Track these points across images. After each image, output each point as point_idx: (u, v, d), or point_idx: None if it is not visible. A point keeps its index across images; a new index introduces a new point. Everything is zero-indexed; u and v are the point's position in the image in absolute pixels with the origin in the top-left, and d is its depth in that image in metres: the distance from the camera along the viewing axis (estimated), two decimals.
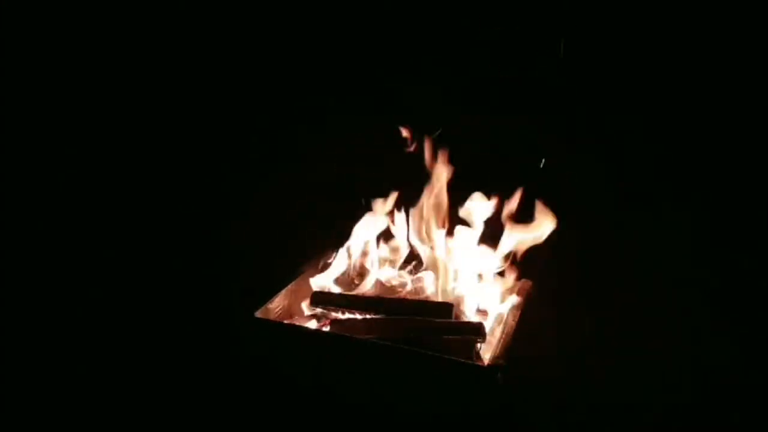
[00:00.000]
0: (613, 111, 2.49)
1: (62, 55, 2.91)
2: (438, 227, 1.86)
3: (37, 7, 2.88)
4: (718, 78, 2.39)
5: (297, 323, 1.76)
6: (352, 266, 1.90)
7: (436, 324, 1.67)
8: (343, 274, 1.89)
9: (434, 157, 1.90)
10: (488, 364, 1.53)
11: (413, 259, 1.95)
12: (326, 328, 1.73)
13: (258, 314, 1.68)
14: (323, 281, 1.86)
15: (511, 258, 1.82)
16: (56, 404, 1.66)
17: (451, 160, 1.88)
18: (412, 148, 1.94)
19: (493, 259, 1.82)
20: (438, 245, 1.85)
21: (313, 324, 1.77)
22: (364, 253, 1.92)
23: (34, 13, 2.90)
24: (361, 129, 2.48)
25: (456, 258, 1.83)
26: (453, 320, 1.70)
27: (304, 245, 2.01)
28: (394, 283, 1.89)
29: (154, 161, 2.82)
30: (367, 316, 1.73)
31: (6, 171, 2.74)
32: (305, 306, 1.80)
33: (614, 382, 1.74)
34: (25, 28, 2.89)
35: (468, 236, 1.83)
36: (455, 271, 1.83)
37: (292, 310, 1.82)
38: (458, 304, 1.75)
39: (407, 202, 1.93)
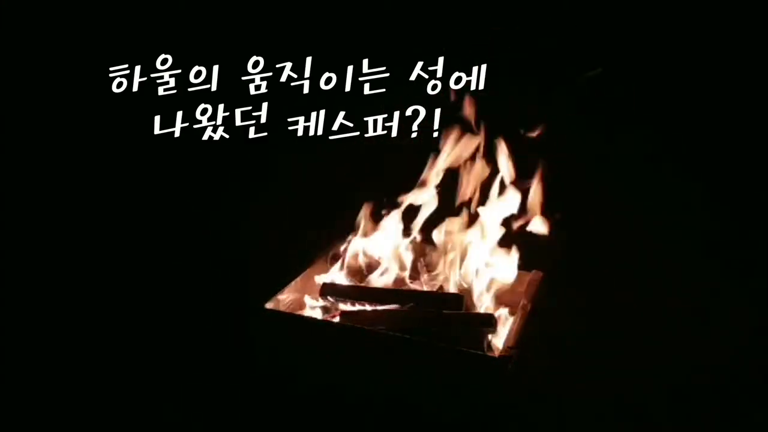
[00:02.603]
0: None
1: (63, 56, 2.91)
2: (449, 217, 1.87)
3: (37, 7, 2.88)
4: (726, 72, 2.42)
5: (307, 314, 1.76)
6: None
7: (446, 315, 1.67)
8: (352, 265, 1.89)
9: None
10: (499, 355, 1.53)
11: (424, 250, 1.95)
12: (336, 319, 1.72)
13: (268, 306, 1.68)
14: (333, 272, 1.86)
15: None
16: (64, 400, 1.65)
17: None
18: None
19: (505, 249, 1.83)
20: (449, 236, 1.86)
21: (322, 315, 1.76)
22: (375, 245, 1.91)
23: (35, 13, 2.89)
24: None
25: (467, 248, 1.84)
26: (464, 311, 1.70)
27: (313, 236, 2.00)
28: (405, 274, 1.89)
29: (159, 156, 2.80)
30: (377, 307, 1.72)
31: (9, 171, 2.71)
32: (315, 297, 1.80)
33: (625, 375, 1.75)
34: (26, 28, 2.88)
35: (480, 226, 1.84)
36: (466, 262, 1.84)
37: (302, 301, 1.81)
38: (469, 295, 1.75)
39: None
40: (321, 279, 1.85)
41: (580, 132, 2.51)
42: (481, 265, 1.82)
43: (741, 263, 2.34)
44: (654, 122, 2.57)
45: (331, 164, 2.62)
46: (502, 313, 1.77)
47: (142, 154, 2.83)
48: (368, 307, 1.73)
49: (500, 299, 1.81)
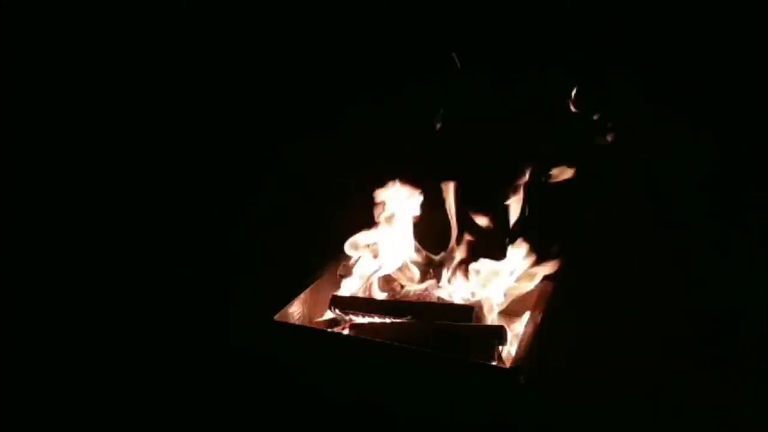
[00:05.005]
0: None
1: (68, 57, 2.94)
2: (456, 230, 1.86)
3: (37, 7, 2.92)
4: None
5: (316, 327, 1.76)
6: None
7: (456, 327, 1.66)
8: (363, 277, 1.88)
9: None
10: (511, 366, 1.52)
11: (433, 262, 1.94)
12: (346, 332, 1.71)
13: (277, 318, 1.68)
14: (343, 284, 1.86)
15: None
16: (69, 405, 1.67)
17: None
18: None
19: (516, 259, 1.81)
20: (458, 247, 1.85)
21: (332, 327, 1.76)
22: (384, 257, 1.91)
23: (35, 13, 2.93)
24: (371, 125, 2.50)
25: (477, 260, 1.83)
26: (474, 323, 1.69)
27: (323, 248, 2.00)
28: (414, 286, 1.88)
29: (169, 164, 2.82)
30: (387, 320, 1.72)
31: (13, 172, 2.74)
32: (324, 310, 1.80)
33: (639, 384, 1.73)
34: (26, 29, 2.92)
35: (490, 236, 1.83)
36: (476, 274, 1.82)
37: (311, 313, 1.81)
38: (479, 307, 1.74)
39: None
40: (331, 291, 1.85)
41: (583, 132, 2.49)
42: (492, 275, 1.81)
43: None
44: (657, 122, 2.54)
45: (341, 173, 2.62)
46: (513, 324, 1.76)
47: (147, 157, 2.85)
48: (378, 320, 1.73)
49: (511, 310, 1.80)
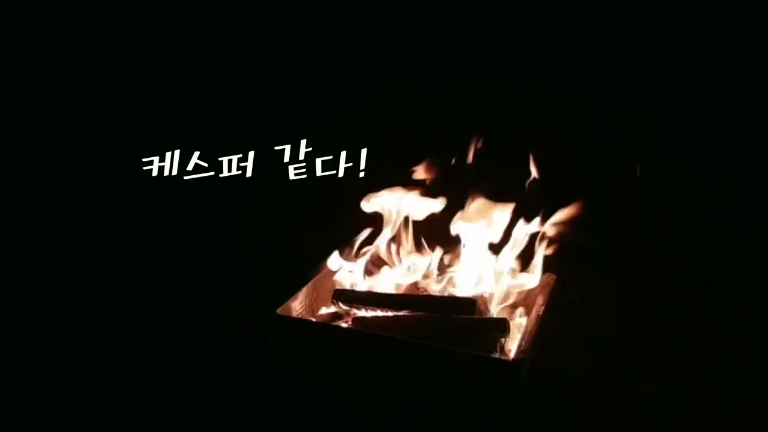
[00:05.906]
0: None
1: (67, 57, 2.94)
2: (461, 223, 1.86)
3: (37, 7, 2.92)
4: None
5: (319, 320, 1.76)
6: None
7: (459, 320, 1.66)
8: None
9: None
10: (513, 359, 1.52)
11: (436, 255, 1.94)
12: (349, 325, 1.71)
13: (280, 311, 1.68)
14: (346, 277, 1.86)
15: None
16: (75, 405, 1.66)
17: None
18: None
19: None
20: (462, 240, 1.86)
21: (335, 321, 1.76)
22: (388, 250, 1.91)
23: (35, 13, 2.93)
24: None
25: (480, 252, 1.83)
26: (477, 316, 1.69)
27: (324, 243, 1.99)
28: (417, 279, 1.88)
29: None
30: (390, 313, 1.72)
31: (16, 172, 2.74)
32: (327, 303, 1.80)
33: (641, 380, 1.73)
34: (26, 29, 2.92)
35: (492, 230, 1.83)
36: (478, 266, 1.83)
37: (314, 307, 1.81)
38: (482, 300, 1.74)
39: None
40: (334, 285, 1.85)
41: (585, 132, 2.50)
42: (496, 269, 1.82)
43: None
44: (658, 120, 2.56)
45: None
46: (516, 317, 1.76)
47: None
48: (380, 313, 1.73)
49: (513, 303, 1.80)
